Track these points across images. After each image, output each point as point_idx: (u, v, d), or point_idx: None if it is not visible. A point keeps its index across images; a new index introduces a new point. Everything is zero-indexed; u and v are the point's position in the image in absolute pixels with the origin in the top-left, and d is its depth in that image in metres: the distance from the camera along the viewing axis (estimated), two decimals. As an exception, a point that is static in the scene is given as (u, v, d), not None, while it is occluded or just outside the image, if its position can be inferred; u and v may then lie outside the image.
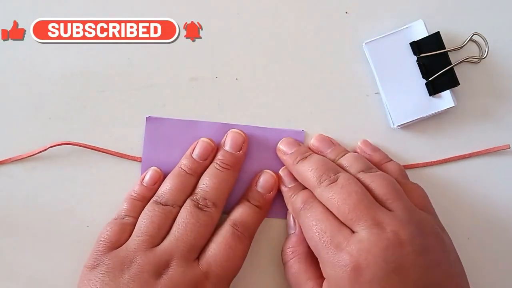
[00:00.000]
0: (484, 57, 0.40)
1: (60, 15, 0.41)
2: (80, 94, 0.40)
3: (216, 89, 0.41)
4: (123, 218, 0.37)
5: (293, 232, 0.38)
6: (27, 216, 0.39)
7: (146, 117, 0.40)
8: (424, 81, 0.40)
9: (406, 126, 0.41)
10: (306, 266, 0.36)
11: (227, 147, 0.39)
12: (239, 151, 0.39)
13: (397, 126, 0.40)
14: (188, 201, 0.37)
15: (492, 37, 0.41)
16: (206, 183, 0.37)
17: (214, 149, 0.39)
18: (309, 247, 0.36)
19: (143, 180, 0.39)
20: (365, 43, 0.40)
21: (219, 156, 0.38)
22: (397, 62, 0.40)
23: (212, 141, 0.39)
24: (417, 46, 0.39)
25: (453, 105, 0.39)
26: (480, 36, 0.40)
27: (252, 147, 0.40)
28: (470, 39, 0.40)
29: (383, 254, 0.31)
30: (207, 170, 0.38)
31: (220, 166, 0.38)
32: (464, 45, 0.40)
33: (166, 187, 0.37)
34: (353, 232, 0.33)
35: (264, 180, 0.39)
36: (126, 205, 0.38)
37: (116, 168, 0.40)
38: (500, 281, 0.40)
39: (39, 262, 0.39)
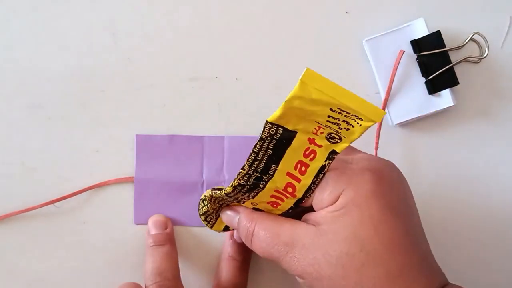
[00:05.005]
0: (484, 57, 0.40)
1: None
2: (80, 94, 0.40)
3: (216, 89, 0.41)
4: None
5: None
6: (27, 216, 0.39)
7: (135, 135, 0.40)
8: (424, 79, 0.40)
9: (405, 124, 0.41)
10: (273, 221, 0.32)
11: (153, 231, 0.39)
12: (165, 229, 0.39)
13: (396, 124, 0.40)
14: None
15: (492, 37, 0.41)
16: (150, 262, 0.37)
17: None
18: (263, 215, 0.32)
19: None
20: (365, 40, 0.40)
21: (150, 239, 0.38)
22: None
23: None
24: (417, 45, 0.39)
25: (452, 104, 0.39)
26: (481, 36, 0.40)
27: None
28: (471, 39, 0.40)
29: (387, 164, 0.31)
30: (146, 253, 0.38)
31: (155, 244, 0.38)
32: (465, 44, 0.40)
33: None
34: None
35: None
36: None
37: (115, 167, 0.40)
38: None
39: (39, 262, 0.39)
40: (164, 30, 0.41)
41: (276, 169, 0.29)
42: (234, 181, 0.30)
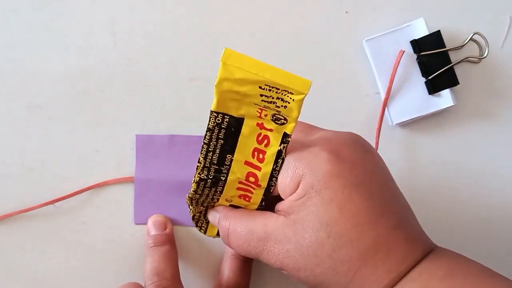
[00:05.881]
0: (484, 57, 0.40)
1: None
2: (80, 94, 0.40)
3: (216, 89, 0.41)
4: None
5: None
6: (27, 216, 0.39)
7: (135, 135, 0.40)
8: (424, 79, 0.40)
9: (405, 124, 0.41)
10: (247, 217, 0.31)
11: (153, 232, 0.39)
12: (165, 229, 0.39)
13: (396, 124, 0.40)
14: None
15: (492, 37, 0.41)
16: (149, 262, 0.37)
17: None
18: (237, 212, 0.32)
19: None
20: (366, 40, 0.40)
21: (150, 240, 0.38)
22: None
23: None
24: (417, 45, 0.39)
25: (452, 104, 0.39)
26: (481, 36, 0.40)
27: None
28: (471, 39, 0.40)
29: (347, 139, 0.30)
30: (146, 253, 0.38)
31: (155, 245, 0.38)
32: (465, 44, 0.40)
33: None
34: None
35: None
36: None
37: (115, 167, 0.40)
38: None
39: (39, 262, 0.39)
40: (164, 30, 0.41)
41: (232, 159, 0.29)
42: (195, 177, 0.30)
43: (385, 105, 0.40)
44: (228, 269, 0.38)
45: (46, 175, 0.40)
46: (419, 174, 0.40)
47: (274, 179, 0.30)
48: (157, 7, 0.41)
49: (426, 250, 0.28)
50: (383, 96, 0.40)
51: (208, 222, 0.34)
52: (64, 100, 0.40)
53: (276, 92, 0.26)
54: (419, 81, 0.40)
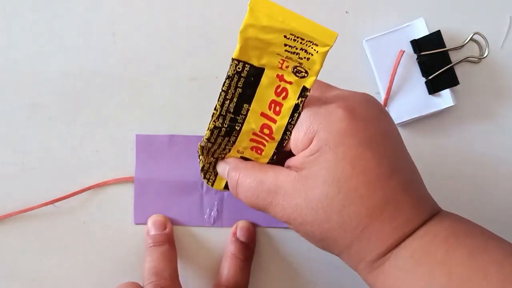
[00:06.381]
0: (484, 57, 0.40)
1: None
2: (80, 94, 0.40)
3: (216, 89, 0.40)
4: None
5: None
6: (27, 216, 0.39)
7: (135, 135, 0.40)
8: (424, 79, 0.40)
9: (405, 124, 0.41)
10: (257, 169, 0.31)
11: (152, 231, 0.39)
12: (165, 229, 0.39)
13: (396, 124, 0.40)
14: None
15: (492, 37, 0.41)
16: (148, 261, 0.37)
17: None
18: (248, 164, 0.32)
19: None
20: (366, 40, 0.40)
21: (149, 239, 0.38)
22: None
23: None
24: (417, 45, 0.39)
25: (453, 104, 0.39)
26: (481, 36, 0.40)
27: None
28: (471, 39, 0.40)
29: (362, 98, 0.30)
30: (145, 253, 0.38)
31: (154, 245, 0.38)
32: (465, 44, 0.40)
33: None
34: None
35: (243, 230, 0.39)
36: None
37: (115, 167, 0.40)
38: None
39: (39, 262, 0.39)
40: (164, 30, 0.41)
41: (248, 109, 0.29)
42: (210, 124, 0.30)
43: (385, 105, 0.40)
44: (227, 269, 0.38)
45: (46, 175, 0.40)
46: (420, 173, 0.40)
47: (288, 133, 0.29)
48: (157, 7, 0.41)
49: (431, 212, 0.29)
50: (383, 96, 0.40)
51: (216, 175, 0.34)
52: (64, 100, 0.40)
53: (301, 43, 0.26)
54: (419, 81, 0.40)
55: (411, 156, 0.30)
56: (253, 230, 0.39)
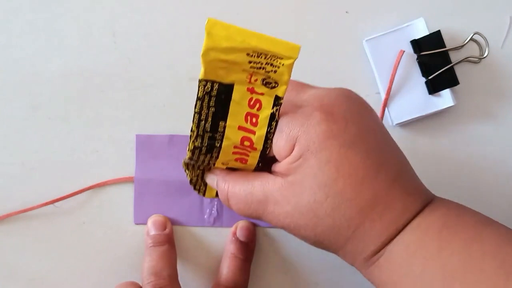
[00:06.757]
0: (485, 57, 0.40)
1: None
2: (80, 94, 0.40)
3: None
4: None
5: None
6: (27, 216, 0.39)
7: (135, 135, 0.40)
8: (424, 79, 0.40)
9: (405, 124, 0.41)
10: (245, 180, 0.31)
11: (152, 231, 0.39)
12: (164, 229, 0.39)
13: (396, 124, 0.40)
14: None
15: (492, 37, 0.41)
16: (147, 261, 0.37)
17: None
18: (235, 175, 0.32)
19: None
20: (366, 40, 0.40)
21: (149, 239, 0.38)
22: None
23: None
24: (417, 45, 0.39)
25: (453, 104, 0.39)
26: (481, 36, 0.40)
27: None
28: (471, 39, 0.40)
29: (339, 95, 0.29)
30: (145, 253, 0.38)
31: (154, 245, 0.38)
32: (465, 44, 0.40)
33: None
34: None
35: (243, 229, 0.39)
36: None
37: (115, 167, 0.40)
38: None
39: (39, 262, 0.39)
40: (164, 30, 0.41)
41: (225, 125, 0.29)
42: (189, 144, 0.30)
43: (385, 105, 0.40)
44: (227, 269, 0.38)
45: (46, 175, 0.40)
46: (419, 174, 0.40)
47: (269, 141, 0.29)
48: (157, 7, 0.41)
49: (424, 202, 0.29)
50: (383, 96, 0.40)
51: (206, 184, 0.34)
52: (64, 100, 0.40)
53: (265, 58, 0.26)
54: (419, 81, 0.40)
55: (411, 157, 0.30)
56: (253, 230, 0.39)
